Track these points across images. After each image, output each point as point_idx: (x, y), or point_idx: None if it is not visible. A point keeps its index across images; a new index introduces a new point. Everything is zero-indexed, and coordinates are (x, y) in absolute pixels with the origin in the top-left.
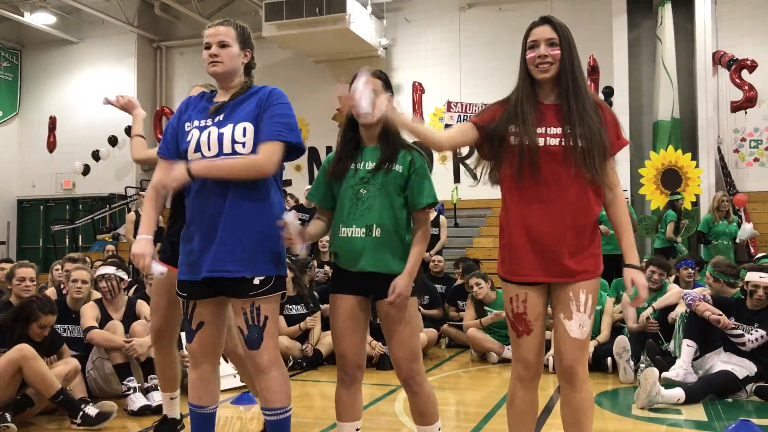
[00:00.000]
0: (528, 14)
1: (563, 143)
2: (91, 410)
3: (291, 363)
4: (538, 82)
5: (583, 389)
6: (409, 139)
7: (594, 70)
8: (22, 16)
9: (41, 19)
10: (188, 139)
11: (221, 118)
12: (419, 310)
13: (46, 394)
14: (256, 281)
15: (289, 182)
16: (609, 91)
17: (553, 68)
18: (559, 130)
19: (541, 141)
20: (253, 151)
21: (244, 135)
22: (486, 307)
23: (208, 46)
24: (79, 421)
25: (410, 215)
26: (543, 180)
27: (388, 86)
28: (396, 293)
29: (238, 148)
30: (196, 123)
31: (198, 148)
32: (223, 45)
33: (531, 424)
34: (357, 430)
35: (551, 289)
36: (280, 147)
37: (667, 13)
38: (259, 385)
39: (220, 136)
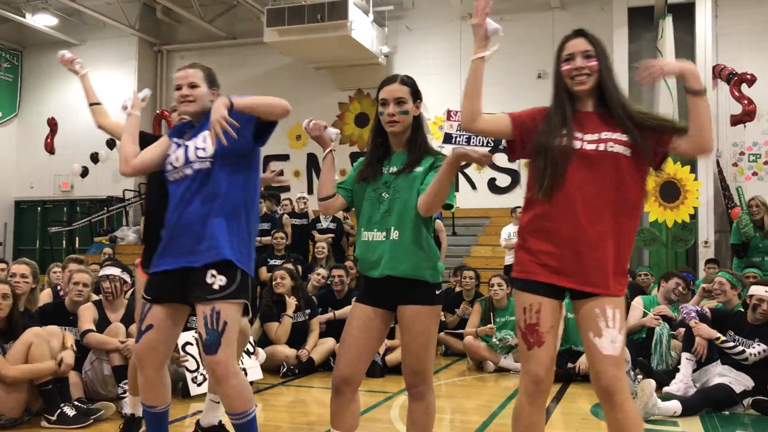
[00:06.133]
0: (529, 24)
1: (601, 148)
2: (70, 411)
3: (285, 369)
4: (574, 94)
5: (625, 408)
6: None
7: None
8: (24, 17)
9: (42, 21)
10: (169, 152)
11: (189, 136)
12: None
13: (36, 380)
14: (216, 286)
15: (287, 188)
16: None
17: (590, 80)
18: (596, 137)
19: (577, 144)
20: (215, 154)
21: (204, 141)
22: (496, 314)
23: (179, 87)
24: (54, 418)
25: (431, 220)
26: (574, 184)
27: (416, 93)
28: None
29: (200, 153)
30: (175, 142)
31: (171, 161)
32: (193, 86)
33: None
34: None
35: (576, 307)
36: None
37: (667, 26)
38: (219, 393)
39: (186, 148)
